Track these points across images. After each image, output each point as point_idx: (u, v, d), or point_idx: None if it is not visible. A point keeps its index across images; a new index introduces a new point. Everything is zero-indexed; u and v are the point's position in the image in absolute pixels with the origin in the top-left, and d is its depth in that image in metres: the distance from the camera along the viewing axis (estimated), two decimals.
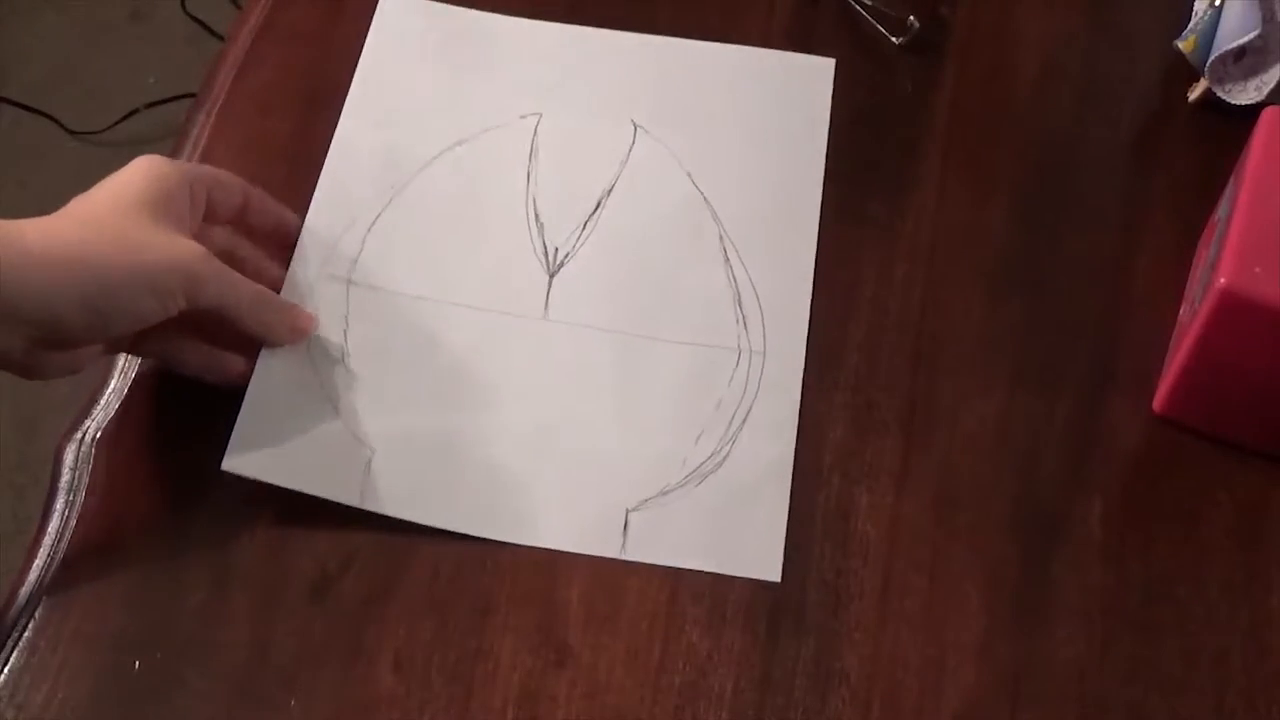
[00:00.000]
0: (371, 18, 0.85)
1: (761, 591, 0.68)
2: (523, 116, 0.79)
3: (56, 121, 1.77)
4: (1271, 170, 0.69)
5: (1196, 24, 0.82)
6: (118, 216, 0.66)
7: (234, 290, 0.68)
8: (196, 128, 0.81)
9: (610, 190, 0.77)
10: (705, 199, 0.77)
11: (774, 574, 0.68)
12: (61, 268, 0.63)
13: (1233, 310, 0.66)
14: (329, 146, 0.80)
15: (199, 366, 0.71)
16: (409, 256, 0.75)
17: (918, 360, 0.75)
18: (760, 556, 0.68)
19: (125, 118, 1.75)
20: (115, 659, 0.65)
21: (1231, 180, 0.73)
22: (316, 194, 0.77)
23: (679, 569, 0.68)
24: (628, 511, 0.69)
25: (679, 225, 0.77)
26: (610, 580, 0.68)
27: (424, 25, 0.84)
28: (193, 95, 0.83)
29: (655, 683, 0.66)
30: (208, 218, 0.71)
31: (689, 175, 0.78)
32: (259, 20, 0.85)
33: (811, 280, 0.76)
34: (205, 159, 0.80)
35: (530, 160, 0.78)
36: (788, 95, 0.82)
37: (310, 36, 0.85)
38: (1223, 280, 0.66)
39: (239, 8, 0.87)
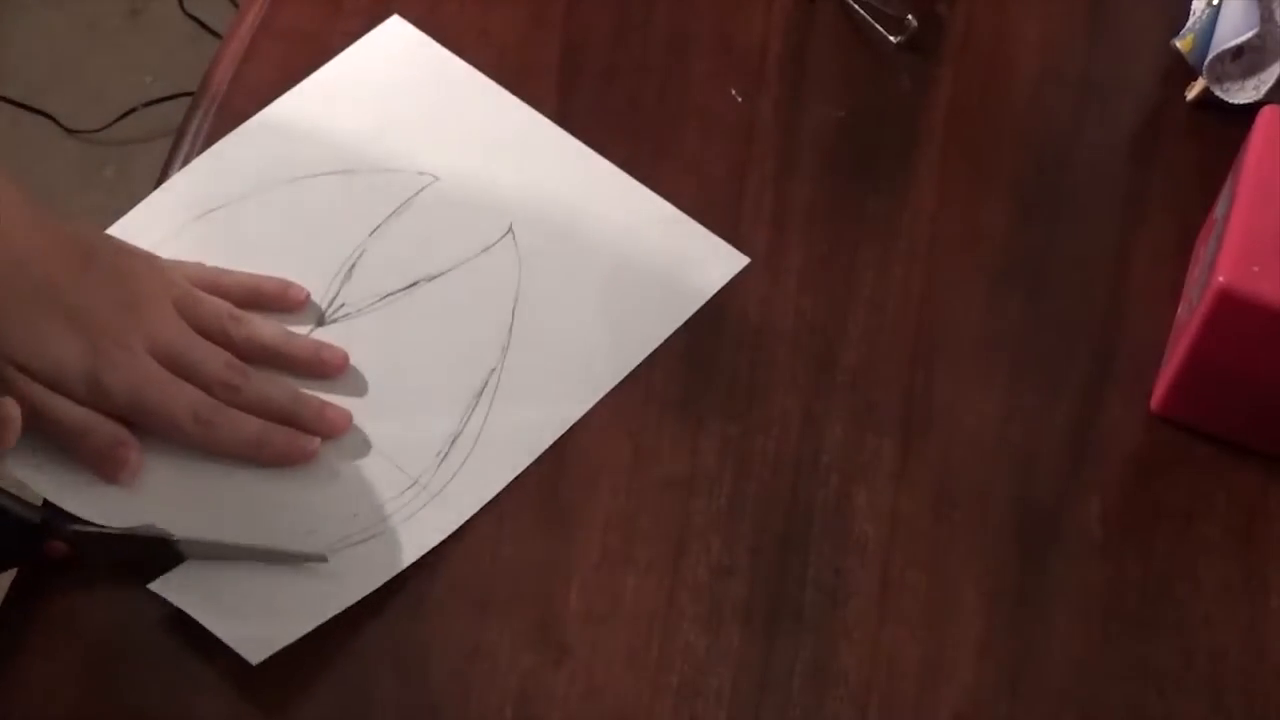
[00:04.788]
0: (368, 16, 0.85)
1: (761, 590, 0.68)
2: (420, 173, 0.78)
3: (54, 120, 1.76)
4: (1269, 169, 0.69)
5: (1194, 23, 0.82)
6: None
7: None
8: (195, 126, 0.81)
9: (434, 278, 0.75)
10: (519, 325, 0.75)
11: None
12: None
13: (1231, 309, 0.66)
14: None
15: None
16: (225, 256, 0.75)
17: (916, 359, 0.75)
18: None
19: (123, 116, 1.75)
20: (113, 659, 0.65)
21: (1229, 179, 0.73)
22: (197, 160, 0.78)
23: (680, 560, 0.68)
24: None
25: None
26: (608, 578, 0.68)
27: (407, 53, 0.83)
28: (191, 94, 0.83)
29: (653, 681, 0.66)
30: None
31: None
32: (257, 18, 0.85)
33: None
34: None
35: (393, 215, 0.77)
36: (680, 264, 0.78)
37: (308, 35, 0.85)
38: (1221, 279, 0.66)
39: (237, 6, 0.87)
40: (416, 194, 0.78)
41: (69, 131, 1.76)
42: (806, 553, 0.69)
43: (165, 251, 0.74)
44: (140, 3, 1.88)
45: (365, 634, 0.66)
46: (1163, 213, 0.80)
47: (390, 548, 0.67)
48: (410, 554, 0.67)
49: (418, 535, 0.68)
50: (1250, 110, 0.76)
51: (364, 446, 0.70)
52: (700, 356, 0.74)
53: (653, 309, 0.75)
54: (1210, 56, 0.81)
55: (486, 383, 0.72)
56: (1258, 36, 0.79)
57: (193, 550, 0.65)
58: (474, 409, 0.71)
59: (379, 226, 0.76)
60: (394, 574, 0.66)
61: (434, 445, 0.70)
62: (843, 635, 0.67)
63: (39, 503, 0.67)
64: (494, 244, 0.76)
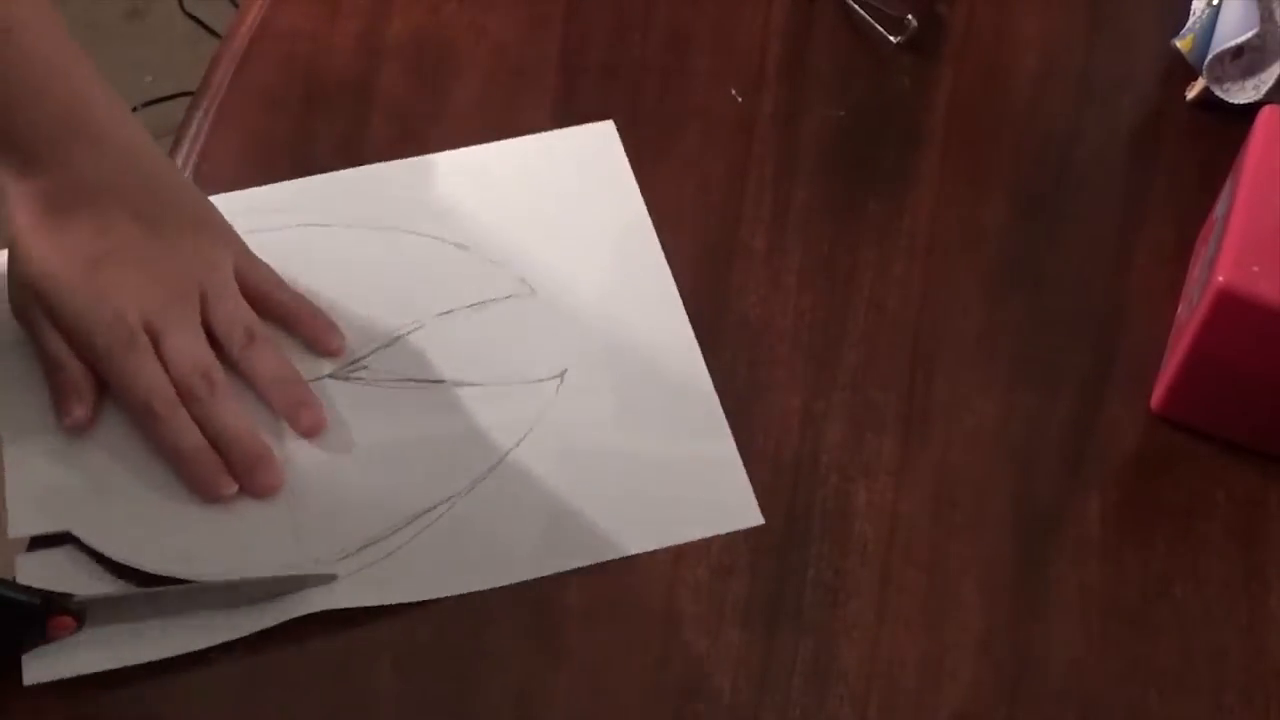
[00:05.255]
0: (368, 16, 0.85)
1: (761, 590, 0.68)
2: (521, 280, 0.76)
3: None
4: (1269, 169, 0.69)
5: (1194, 23, 0.82)
6: None
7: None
8: (194, 126, 0.81)
9: (462, 385, 0.72)
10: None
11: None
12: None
13: (1230, 309, 0.66)
14: (328, 144, 0.80)
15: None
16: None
17: (916, 358, 0.75)
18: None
19: None
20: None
21: (1229, 179, 0.73)
22: (346, 172, 0.78)
23: (680, 560, 0.68)
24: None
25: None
26: (609, 579, 0.68)
27: (593, 161, 0.80)
28: (190, 94, 0.83)
29: (654, 682, 0.66)
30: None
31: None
32: (257, 19, 0.85)
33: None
34: (203, 158, 0.80)
35: (470, 307, 0.74)
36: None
37: (308, 35, 0.85)
38: (1221, 279, 0.66)
39: (236, 6, 0.87)
40: (503, 298, 0.75)
41: None
42: (806, 553, 0.69)
43: (257, 239, 0.74)
44: (140, 3, 1.88)
45: (366, 634, 0.66)
46: (1162, 212, 0.80)
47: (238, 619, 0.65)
48: (239, 632, 0.64)
49: (267, 617, 0.65)
50: (1250, 110, 0.76)
51: (281, 513, 0.68)
52: (701, 355, 0.74)
53: (644, 518, 0.69)
54: (1210, 56, 0.81)
55: (436, 507, 0.68)
56: (1258, 36, 0.79)
57: (204, 599, 0.65)
58: (406, 527, 0.67)
59: (450, 311, 0.74)
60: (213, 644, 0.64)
61: (343, 542, 0.67)
62: (843, 635, 0.67)
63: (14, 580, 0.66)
64: (539, 380, 0.72)
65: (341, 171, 0.79)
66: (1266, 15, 0.79)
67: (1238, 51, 0.81)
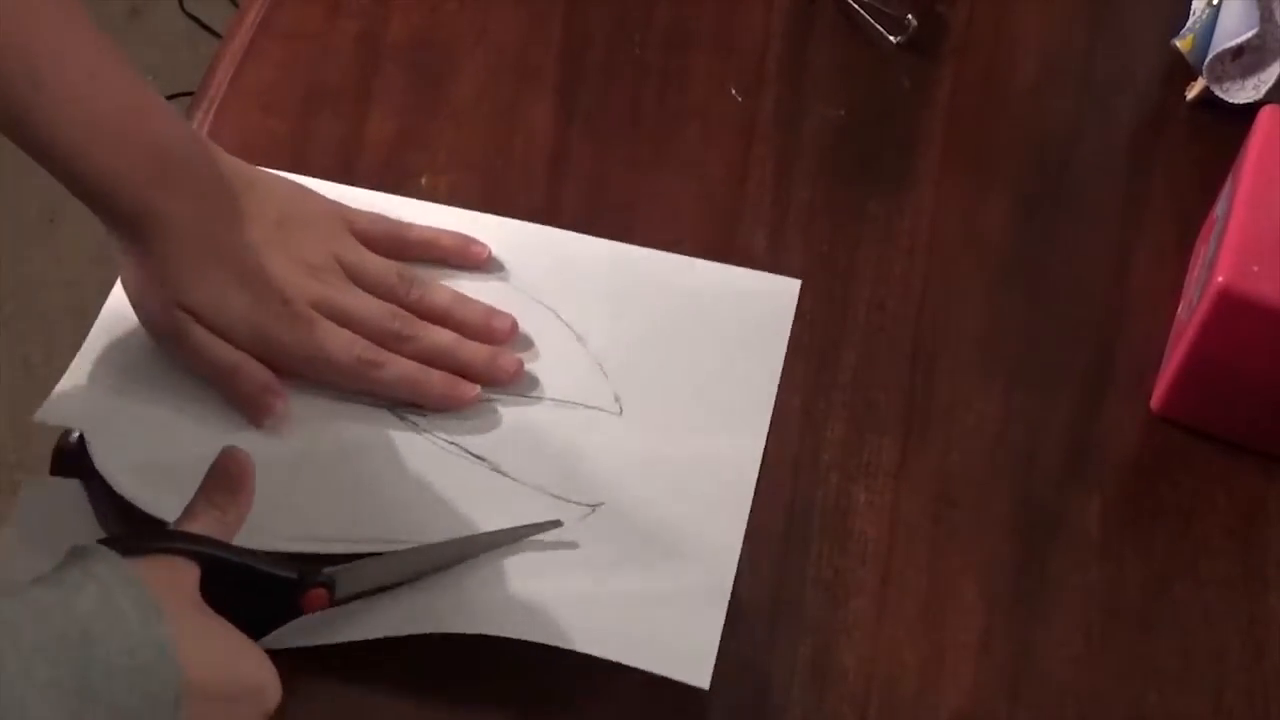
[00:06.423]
0: (369, 16, 0.85)
1: (761, 589, 0.68)
2: (616, 398, 0.72)
3: None
4: (1269, 169, 0.69)
5: (1195, 23, 0.82)
6: None
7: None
8: (194, 126, 0.81)
9: (504, 476, 0.69)
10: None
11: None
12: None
13: (1230, 309, 0.66)
14: (328, 144, 0.80)
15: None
16: None
17: (916, 358, 0.75)
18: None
19: None
20: None
21: (1229, 179, 0.73)
22: (528, 224, 0.77)
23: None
24: None
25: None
26: None
27: (757, 310, 0.75)
28: (191, 94, 0.83)
29: (655, 681, 0.65)
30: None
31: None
32: (257, 18, 0.85)
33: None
34: None
35: (558, 401, 0.72)
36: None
37: (308, 35, 0.85)
38: (1221, 279, 0.66)
39: (237, 6, 0.87)
40: (586, 406, 0.72)
41: None
42: (806, 552, 0.69)
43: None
44: (140, 3, 1.88)
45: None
46: (1162, 212, 0.80)
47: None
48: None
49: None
50: (1250, 110, 0.76)
51: (281, 495, 0.67)
52: None
53: (596, 627, 0.64)
54: (1210, 56, 0.81)
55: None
56: (1258, 36, 0.79)
57: (439, 558, 0.65)
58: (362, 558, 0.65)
59: (532, 395, 0.72)
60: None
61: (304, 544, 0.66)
62: (843, 635, 0.67)
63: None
64: (570, 502, 0.68)
65: (526, 223, 0.77)
66: (1266, 15, 0.79)
67: (1238, 51, 0.81)
